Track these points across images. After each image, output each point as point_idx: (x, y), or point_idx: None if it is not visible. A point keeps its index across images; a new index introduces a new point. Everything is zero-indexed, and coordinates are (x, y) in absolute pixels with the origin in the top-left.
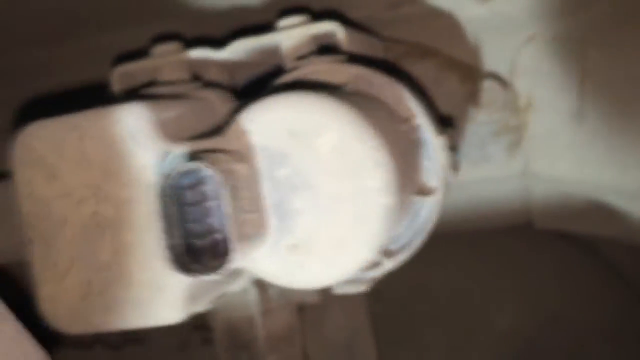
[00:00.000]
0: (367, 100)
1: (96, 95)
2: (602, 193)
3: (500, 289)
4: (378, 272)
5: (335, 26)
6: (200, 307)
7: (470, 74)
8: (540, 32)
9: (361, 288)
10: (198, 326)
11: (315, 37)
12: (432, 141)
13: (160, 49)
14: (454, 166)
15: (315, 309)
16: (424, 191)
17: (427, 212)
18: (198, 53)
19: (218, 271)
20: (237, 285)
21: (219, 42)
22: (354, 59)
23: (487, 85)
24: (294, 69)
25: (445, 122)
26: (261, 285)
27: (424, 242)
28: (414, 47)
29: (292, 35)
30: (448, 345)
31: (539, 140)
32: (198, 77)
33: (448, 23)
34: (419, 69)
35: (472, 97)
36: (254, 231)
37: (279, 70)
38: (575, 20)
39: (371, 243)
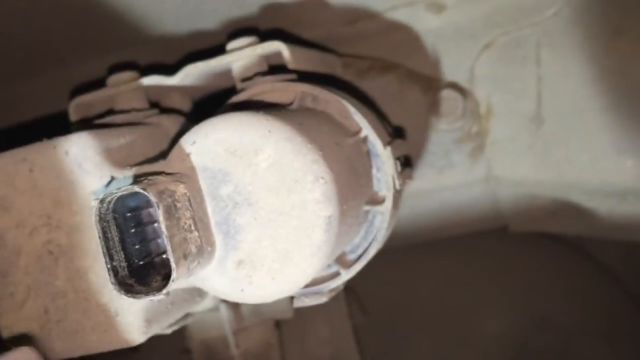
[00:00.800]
0: (310, 116)
1: (57, 129)
2: (565, 192)
3: (487, 294)
4: (336, 283)
5: (279, 45)
6: (160, 328)
7: (431, 84)
8: (495, 40)
9: (322, 300)
10: (185, 349)
11: (265, 58)
12: (381, 152)
13: (115, 78)
14: (406, 175)
15: (297, 324)
16: (374, 200)
17: (379, 221)
18: (151, 80)
19: (162, 291)
20: (202, 305)
21: (175, 68)
22: (303, 76)
23: (447, 95)
24: (242, 90)
25: (396, 134)
26: (233, 304)
27: (379, 250)
28: (375, 61)
29: (240, 56)
30: (437, 353)
31: (500, 145)
32: (156, 104)
33: (406, 36)
34: (381, 83)
35: (433, 107)
36: (197, 250)
37: (228, 92)
38: (528, 26)
39: (316, 255)
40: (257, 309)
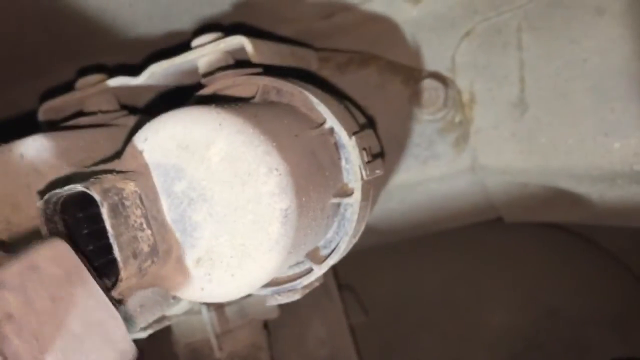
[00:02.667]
0: (270, 108)
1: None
2: (553, 179)
3: (492, 287)
4: (309, 279)
5: (241, 39)
6: (130, 330)
7: (412, 75)
8: (475, 27)
9: (295, 297)
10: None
11: (231, 53)
12: (346, 142)
13: (83, 81)
14: (375, 166)
15: (294, 325)
16: (343, 193)
17: (349, 213)
18: (117, 81)
19: (113, 290)
20: (179, 308)
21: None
22: (270, 70)
23: (428, 85)
24: (205, 86)
25: (366, 124)
26: (217, 305)
27: (352, 243)
28: (354, 54)
29: (203, 52)
30: (443, 349)
31: (484, 133)
32: (126, 105)
33: (385, 28)
34: (362, 76)
35: (415, 98)
36: (150, 248)
37: (194, 89)
38: (508, 11)
39: (274, 249)
40: (242, 310)
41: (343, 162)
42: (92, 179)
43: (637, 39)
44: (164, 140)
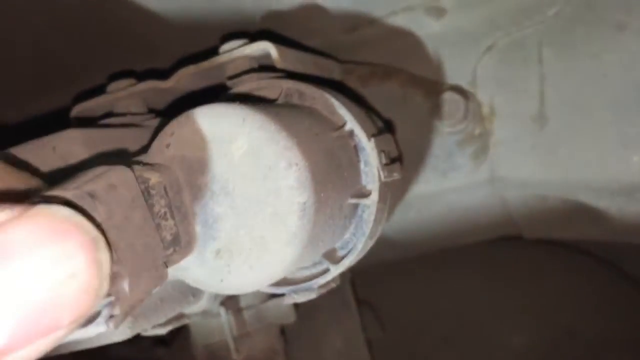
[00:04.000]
0: (292, 109)
1: None
2: (572, 192)
3: (510, 307)
4: (326, 279)
5: (267, 45)
6: (149, 324)
7: (433, 88)
8: (497, 42)
9: (311, 296)
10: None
11: (256, 59)
12: (365, 144)
13: (114, 85)
14: (393, 169)
15: (312, 335)
16: (361, 194)
17: (367, 214)
18: (146, 85)
19: None
20: (198, 306)
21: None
22: (292, 76)
23: (449, 97)
24: (231, 88)
25: (384, 128)
26: (236, 309)
27: (369, 245)
28: (377, 67)
29: (230, 57)
30: None
31: (503, 146)
32: (154, 109)
33: (408, 42)
34: (384, 89)
35: (436, 110)
36: (172, 237)
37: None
38: (529, 26)
39: (292, 242)
40: (259, 314)
41: (362, 165)
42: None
43: None
44: (189, 135)
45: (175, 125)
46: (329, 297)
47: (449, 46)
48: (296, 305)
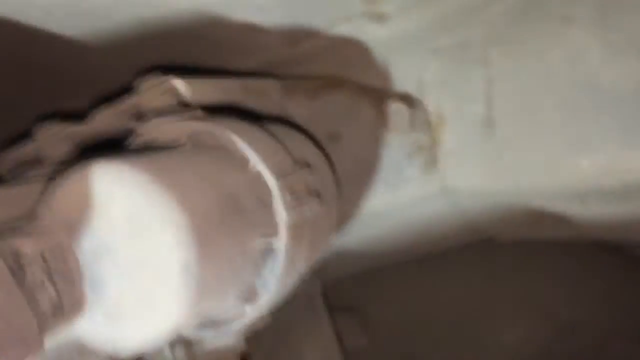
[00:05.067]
0: (195, 155)
1: None
2: (524, 199)
3: (506, 304)
4: (245, 321)
5: (176, 82)
6: None
7: (380, 97)
8: (442, 44)
9: (231, 340)
10: None
11: (172, 94)
12: (271, 185)
13: (41, 130)
14: (307, 204)
15: (287, 354)
16: (270, 233)
17: (277, 254)
18: (69, 130)
19: None
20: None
21: None
22: (209, 109)
23: (394, 108)
24: (142, 132)
25: (305, 163)
26: (186, 342)
27: (291, 282)
28: (324, 80)
29: (144, 98)
30: None
31: (452, 155)
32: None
33: (354, 51)
34: (332, 100)
35: (383, 121)
36: (52, 306)
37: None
38: (474, 26)
39: (177, 300)
40: (206, 347)
41: (275, 203)
42: None
43: (606, 47)
44: (71, 195)
45: (58, 187)
46: (303, 311)
47: (395, 52)
48: (272, 321)
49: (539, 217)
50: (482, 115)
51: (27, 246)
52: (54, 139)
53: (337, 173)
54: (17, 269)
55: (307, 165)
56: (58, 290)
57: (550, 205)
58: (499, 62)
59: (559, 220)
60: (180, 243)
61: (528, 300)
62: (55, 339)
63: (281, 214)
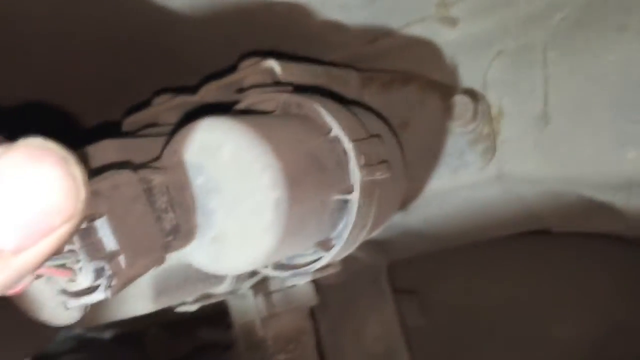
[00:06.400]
0: (283, 119)
1: None
2: (574, 188)
3: (561, 299)
4: (319, 264)
5: (271, 62)
6: (173, 300)
7: (449, 92)
8: (506, 47)
9: (307, 278)
10: None
11: (268, 74)
12: (347, 148)
13: (157, 100)
14: (378, 169)
15: (354, 321)
16: (345, 190)
17: (350, 208)
18: (180, 99)
19: None
20: (222, 287)
21: None
22: (299, 88)
23: (459, 100)
24: (242, 100)
25: (376, 134)
26: (266, 291)
27: (360, 236)
28: (398, 74)
29: (243, 74)
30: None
31: (508, 144)
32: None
33: (426, 50)
34: (404, 93)
35: (449, 112)
36: (171, 227)
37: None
38: (536, 31)
39: (269, 232)
40: (287, 297)
41: (351, 166)
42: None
43: None
44: (189, 143)
45: (181, 135)
46: (368, 286)
47: (463, 52)
48: (339, 291)
49: (589, 207)
50: (538, 110)
51: (156, 179)
52: (168, 106)
53: (405, 154)
54: (149, 194)
55: (379, 137)
56: (177, 216)
57: (597, 196)
58: (556, 64)
59: (607, 211)
60: (275, 183)
61: (583, 298)
62: (170, 258)
63: (356, 174)
